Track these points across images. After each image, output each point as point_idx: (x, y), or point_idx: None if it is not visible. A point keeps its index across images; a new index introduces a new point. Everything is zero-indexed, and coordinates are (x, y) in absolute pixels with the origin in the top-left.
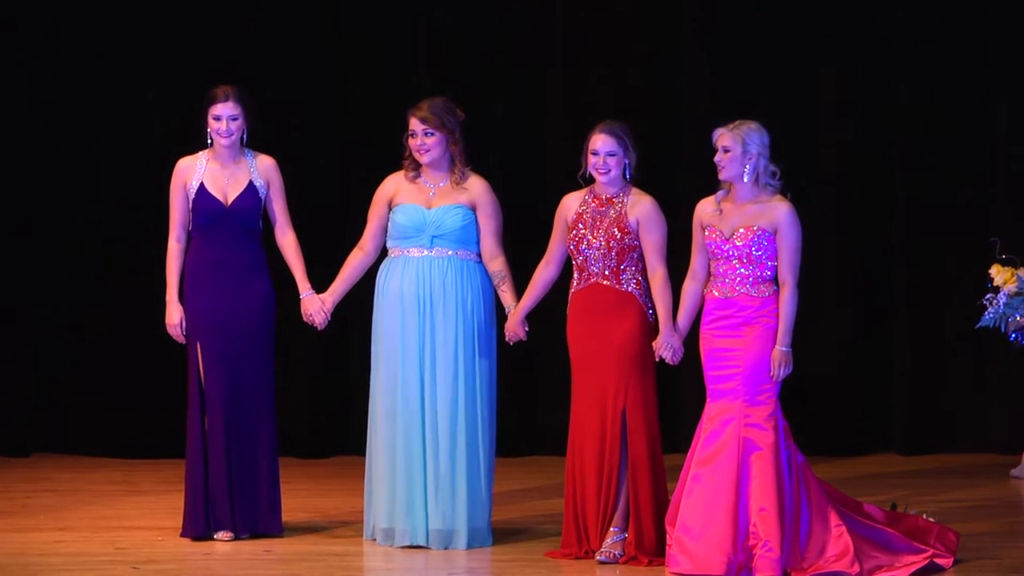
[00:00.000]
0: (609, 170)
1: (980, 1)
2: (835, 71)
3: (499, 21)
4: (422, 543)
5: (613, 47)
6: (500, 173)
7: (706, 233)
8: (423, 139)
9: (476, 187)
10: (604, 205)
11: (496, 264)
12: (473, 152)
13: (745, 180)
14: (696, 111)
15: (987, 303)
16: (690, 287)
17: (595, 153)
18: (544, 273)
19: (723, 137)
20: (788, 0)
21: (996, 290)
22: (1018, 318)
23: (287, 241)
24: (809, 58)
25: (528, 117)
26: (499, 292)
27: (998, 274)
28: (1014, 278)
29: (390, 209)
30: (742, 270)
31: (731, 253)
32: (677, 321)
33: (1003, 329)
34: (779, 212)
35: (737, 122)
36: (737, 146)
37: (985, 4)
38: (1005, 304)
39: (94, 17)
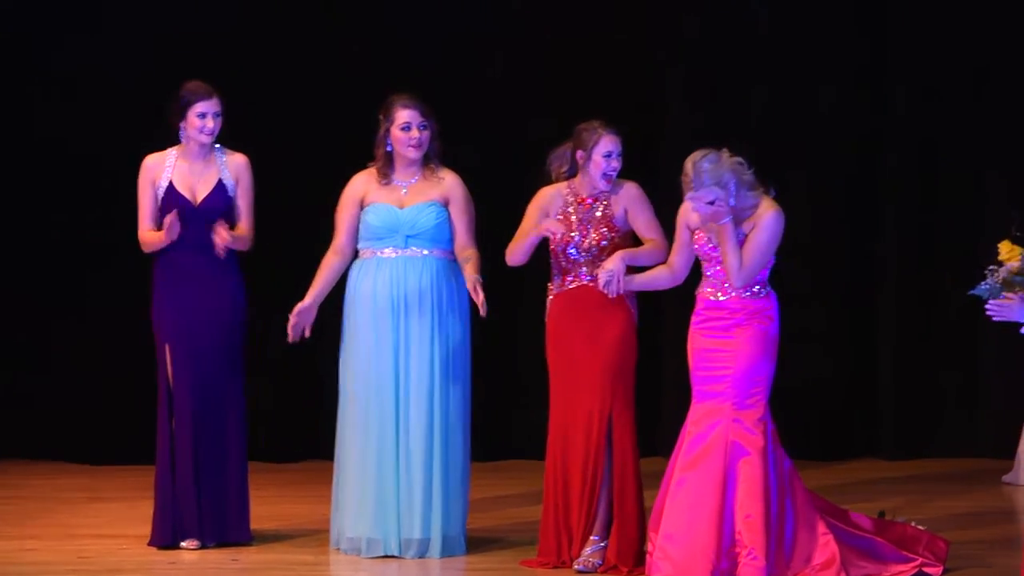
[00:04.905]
0: (616, 172)
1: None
2: (829, 73)
3: (483, 20)
4: (394, 553)
5: (600, 51)
6: (480, 173)
7: (694, 237)
8: (419, 133)
9: (449, 180)
10: (590, 205)
11: (468, 254)
12: (457, 152)
13: (734, 203)
14: (681, 111)
15: (988, 273)
16: (663, 269)
17: (608, 155)
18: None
19: (700, 197)
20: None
21: (1000, 264)
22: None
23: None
24: (802, 65)
25: (512, 117)
26: (463, 268)
27: (1007, 250)
28: (1020, 258)
29: (361, 209)
30: None
31: (719, 257)
32: (633, 276)
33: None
34: (760, 215)
35: (694, 171)
36: (717, 191)
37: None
38: (1003, 280)
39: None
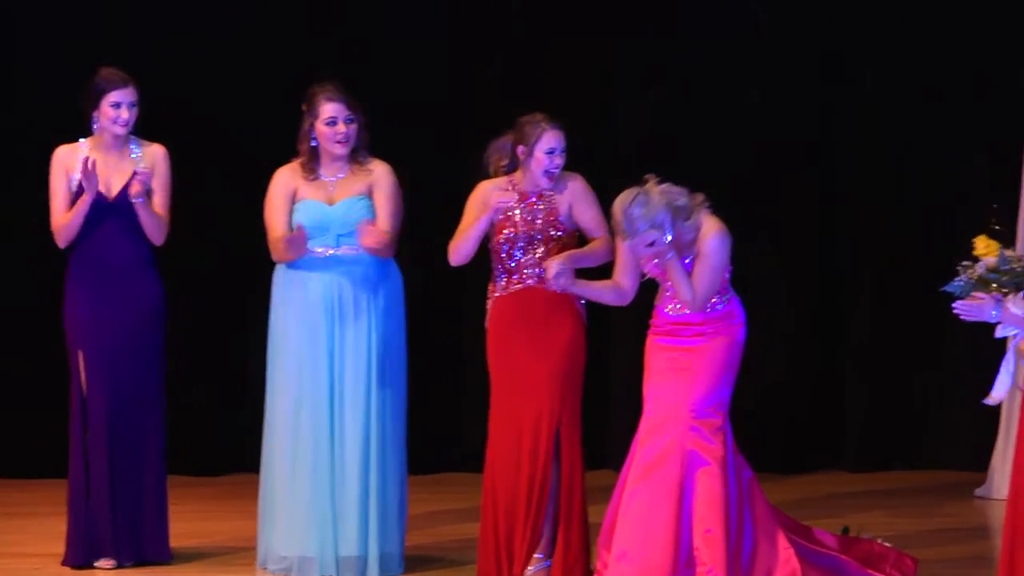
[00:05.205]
0: (559, 169)
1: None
2: (798, 72)
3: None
4: (331, 573)
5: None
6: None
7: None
8: (346, 127)
9: (379, 169)
10: (533, 203)
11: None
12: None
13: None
14: (634, 108)
15: (962, 269)
16: (611, 286)
17: (551, 152)
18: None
19: (638, 243)
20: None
21: (975, 260)
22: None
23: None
24: (772, 64)
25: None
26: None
27: (983, 245)
28: (997, 254)
29: (292, 203)
30: None
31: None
32: (580, 280)
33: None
34: (703, 238)
35: (625, 218)
36: (654, 233)
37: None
38: (978, 277)
39: None
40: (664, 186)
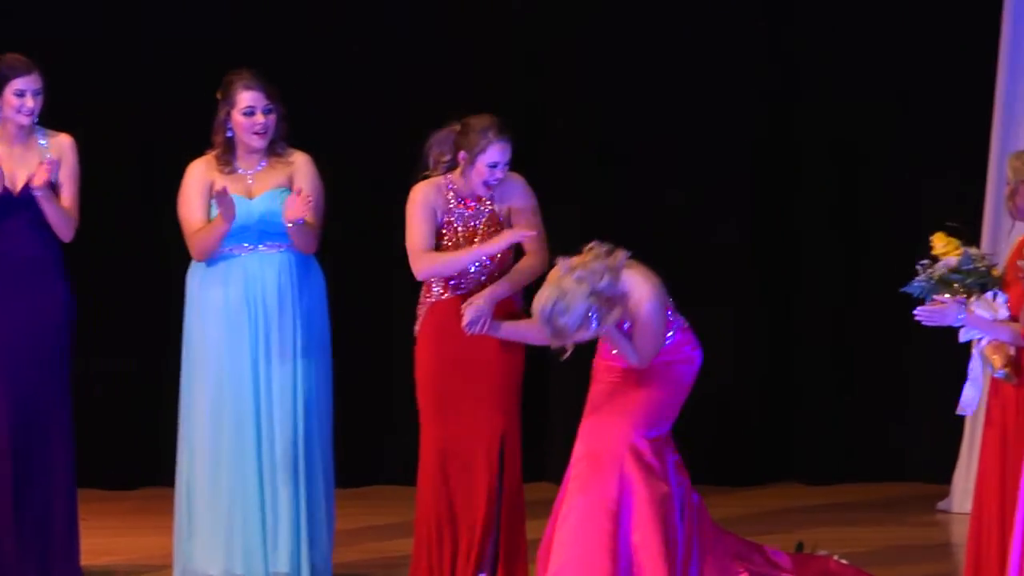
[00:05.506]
0: (499, 180)
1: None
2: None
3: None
4: None
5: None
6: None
7: None
8: (264, 117)
9: (299, 160)
10: (474, 207)
11: None
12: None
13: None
14: (562, 96)
15: (921, 268)
16: (536, 324)
17: (494, 166)
18: None
19: (570, 340)
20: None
21: (934, 259)
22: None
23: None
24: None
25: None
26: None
27: (942, 243)
28: (958, 251)
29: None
30: None
31: None
32: (503, 323)
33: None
34: (636, 306)
35: (552, 329)
36: (584, 331)
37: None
38: (939, 278)
39: None
40: (579, 272)
